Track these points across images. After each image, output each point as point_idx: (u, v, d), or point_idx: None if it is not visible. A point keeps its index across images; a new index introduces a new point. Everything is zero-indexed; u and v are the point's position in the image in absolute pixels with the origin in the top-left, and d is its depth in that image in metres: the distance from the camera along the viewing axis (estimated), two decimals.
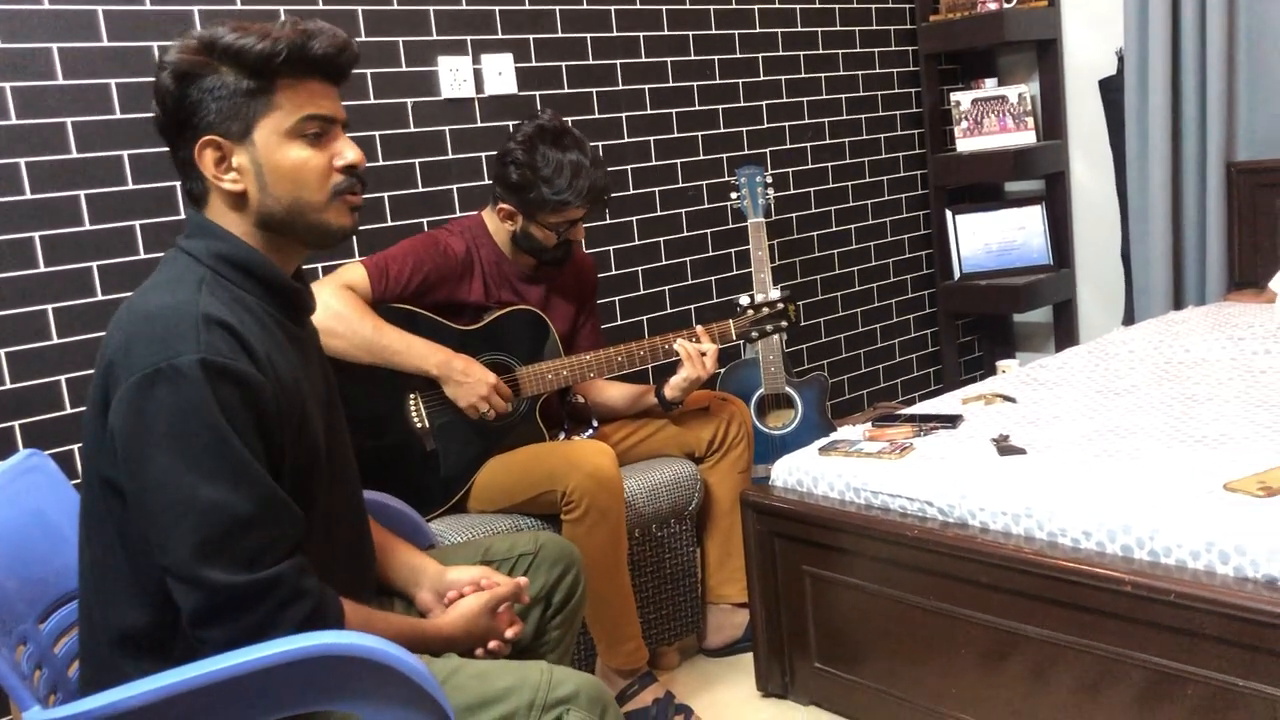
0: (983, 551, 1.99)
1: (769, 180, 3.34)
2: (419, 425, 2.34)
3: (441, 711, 1.27)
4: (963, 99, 4.10)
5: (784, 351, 3.39)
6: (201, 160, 1.38)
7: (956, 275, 4.14)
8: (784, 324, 2.60)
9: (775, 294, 2.61)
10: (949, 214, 4.13)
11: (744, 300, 2.59)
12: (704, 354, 2.48)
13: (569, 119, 3.16)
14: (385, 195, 2.83)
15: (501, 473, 2.36)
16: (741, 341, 2.58)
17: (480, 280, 2.40)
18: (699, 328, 2.51)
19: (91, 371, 1.38)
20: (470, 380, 2.28)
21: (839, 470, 2.32)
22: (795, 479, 2.40)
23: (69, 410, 2.38)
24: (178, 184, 2.48)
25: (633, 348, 2.47)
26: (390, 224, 2.84)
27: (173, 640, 1.36)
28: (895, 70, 4.08)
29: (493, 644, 1.61)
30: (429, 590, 1.66)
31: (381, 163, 2.82)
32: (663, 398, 2.54)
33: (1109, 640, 1.84)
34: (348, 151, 1.43)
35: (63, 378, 2.37)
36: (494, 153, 2.47)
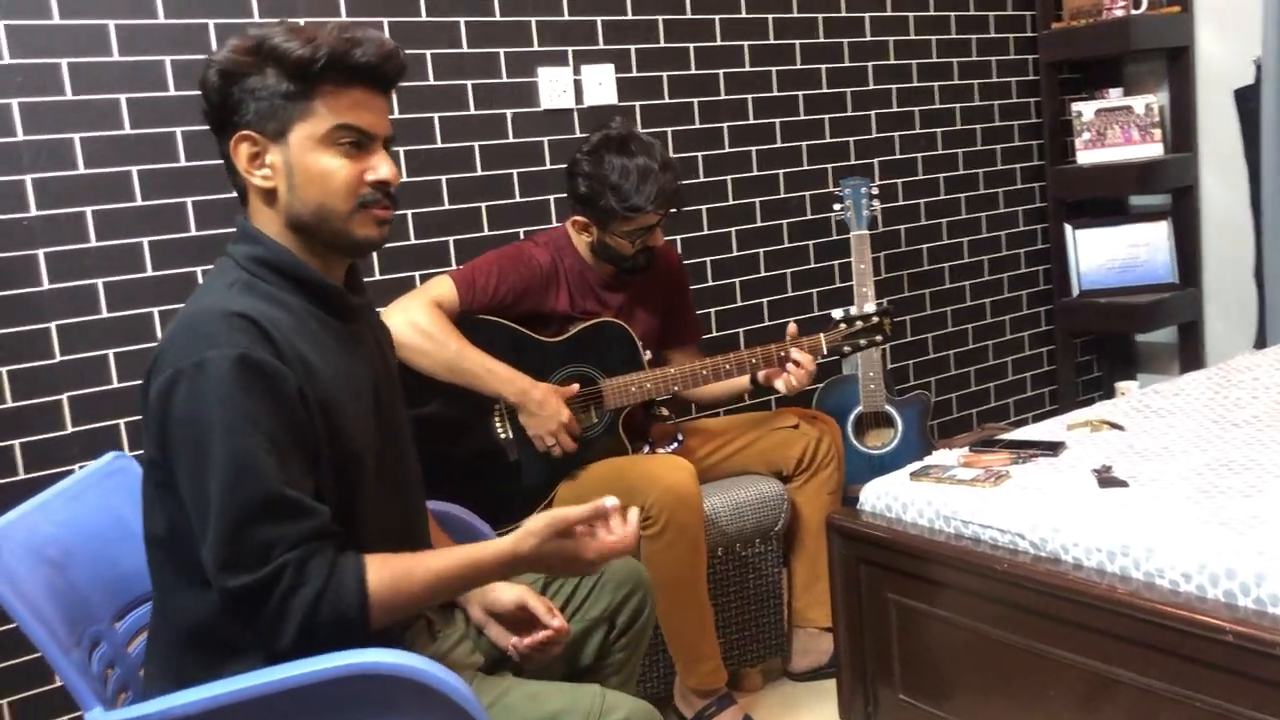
0: (1074, 590, 1.89)
1: (875, 191, 3.26)
2: (503, 436, 2.35)
3: None
4: (1085, 109, 3.93)
5: (885, 368, 3.30)
6: (236, 153, 1.41)
7: (1075, 292, 3.98)
8: (878, 338, 2.52)
9: (870, 307, 2.54)
10: (1068, 228, 3.97)
11: (837, 314, 2.53)
12: (800, 366, 2.43)
13: (669, 129, 3.15)
14: (483, 205, 2.85)
15: (583, 486, 2.35)
16: (835, 356, 2.52)
17: (565, 290, 2.40)
18: (791, 341, 2.45)
19: None
20: (543, 415, 2.28)
21: (929, 497, 2.24)
22: (884, 504, 2.32)
23: None
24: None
25: (719, 361, 2.44)
26: (487, 233, 2.85)
27: (235, 633, 1.37)
28: (1014, 79, 3.94)
29: (542, 635, 1.57)
30: (478, 605, 1.64)
31: (480, 173, 2.84)
32: (756, 383, 2.51)
33: (1210, 692, 1.73)
34: (382, 167, 1.43)
35: None
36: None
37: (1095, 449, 2.38)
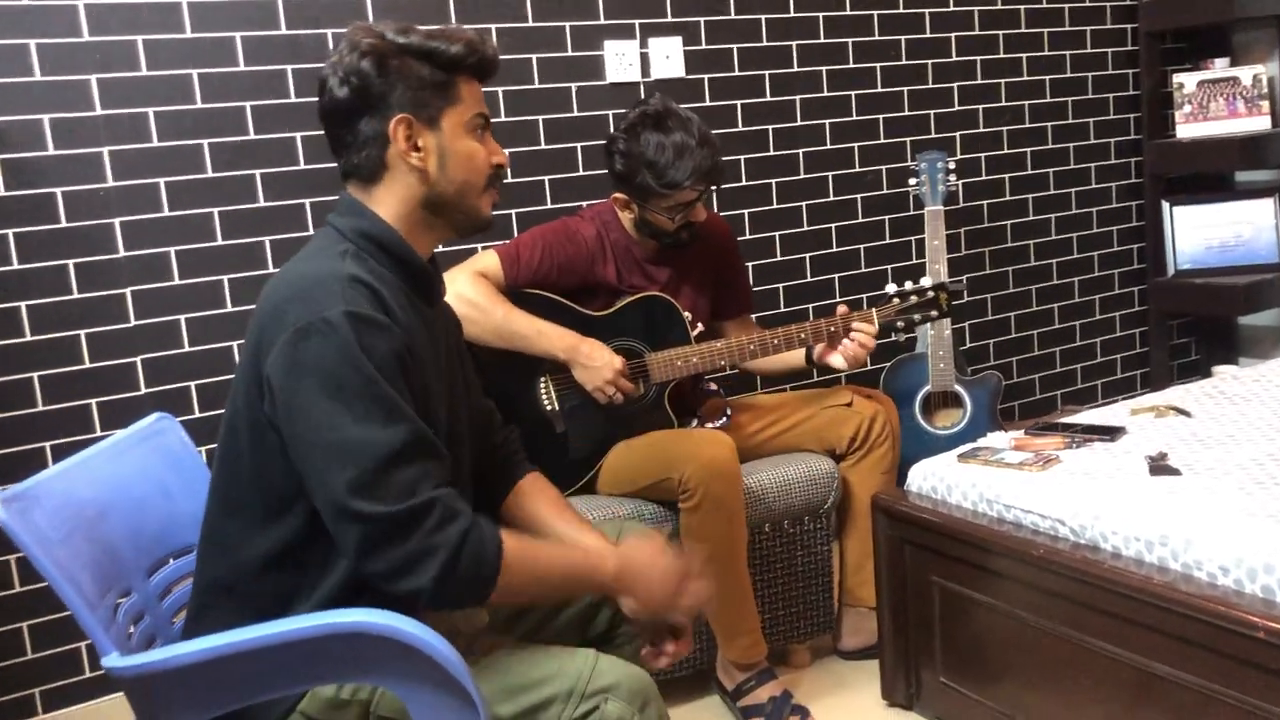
0: (1109, 579, 1.83)
1: (951, 166, 3.18)
2: (549, 408, 2.38)
3: (469, 694, 1.29)
4: (1187, 81, 3.76)
5: (956, 346, 3.23)
6: (395, 135, 1.48)
7: (1171, 272, 3.82)
8: (934, 314, 2.47)
9: (927, 281, 2.49)
10: (1165, 205, 3.81)
11: (891, 288, 2.48)
12: (859, 343, 2.40)
13: (739, 102, 3.13)
14: (546, 179, 2.88)
15: (626, 458, 2.37)
16: (889, 334, 2.48)
17: (611, 264, 2.41)
18: (845, 311, 2.43)
19: None
20: (596, 364, 2.30)
21: (974, 479, 2.20)
22: (930, 485, 2.29)
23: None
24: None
25: (767, 336, 2.42)
26: (550, 206, 2.88)
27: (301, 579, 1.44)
28: (1110, 50, 3.79)
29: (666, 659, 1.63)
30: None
31: (544, 146, 2.87)
32: (811, 359, 2.49)
33: (1244, 690, 1.67)
34: (499, 151, 1.57)
35: (234, 344, 2.57)
36: None
37: (1156, 435, 2.30)
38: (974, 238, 3.59)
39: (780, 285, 3.25)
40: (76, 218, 2.41)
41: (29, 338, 2.39)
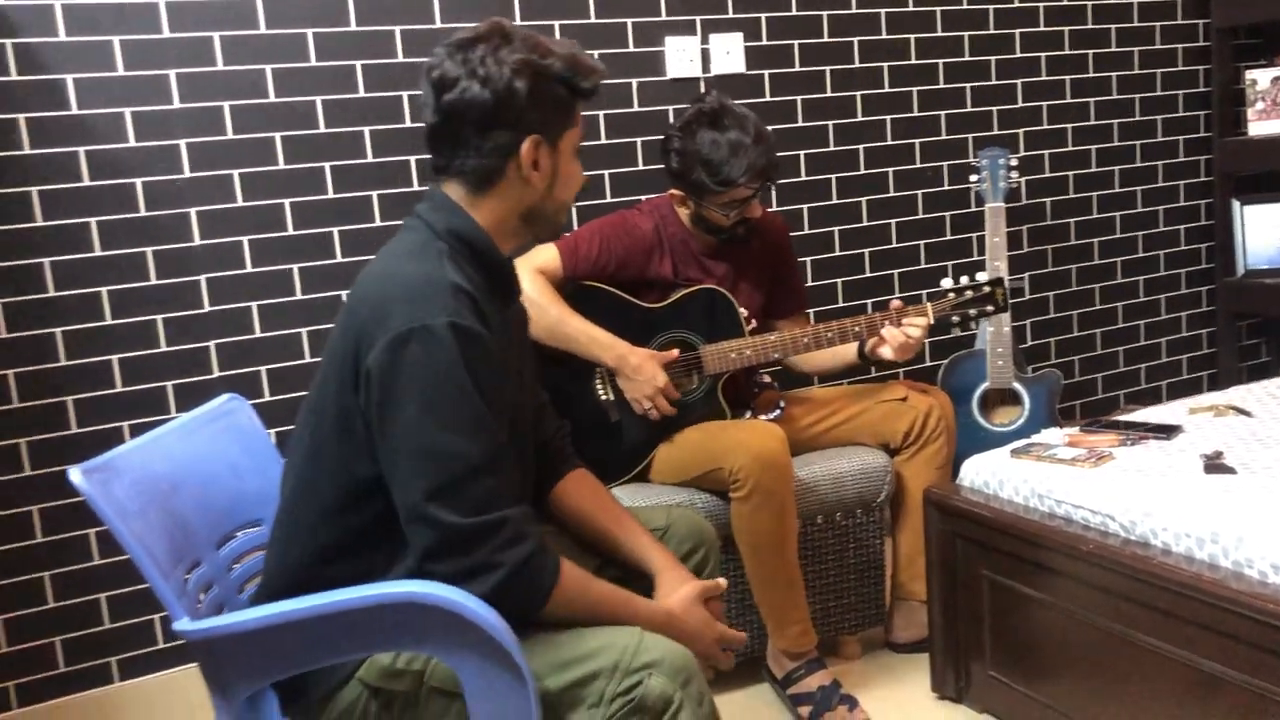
0: (1158, 575, 1.83)
1: (1013, 163, 3.17)
2: (604, 398, 2.42)
3: (518, 666, 1.34)
4: (1261, 77, 3.69)
5: (1015, 344, 3.22)
6: (524, 152, 1.54)
7: (1240, 271, 3.76)
8: (989, 309, 2.48)
9: (983, 276, 2.49)
10: (1235, 204, 3.75)
11: (946, 283, 2.49)
12: (910, 337, 2.41)
13: (799, 97, 3.15)
14: (606, 173, 2.93)
15: (679, 448, 2.41)
16: (945, 331, 2.48)
17: (669, 258, 2.45)
18: (899, 305, 2.44)
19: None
20: (640, 379, 2.34)
21: (1026, 475, 2.20)
22: (983, 479, 2.30)
23: (308, 359, 2.66)
24: (411, 158, 2.71)
25: (820, 329, 2.45)
26: (609, 200, 2.93)
27: (368, 558, 1.51)
28: (1180, 46, 3.73)
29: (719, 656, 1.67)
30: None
31: (604, 140, 2.91)
32: (864, 355, 2.51)
33: None
34: (583, 172, 1.66)
35: (304, 330, 2.65)
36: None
37: (1214, 434, 2.29)
38: (1036, 235, 3.56)
39: (839, 280, 3.27)
40: (155, 207, 2.51)
41: (109, 321, 2.49)
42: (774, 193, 3.13)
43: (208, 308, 2.58)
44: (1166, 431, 2.30)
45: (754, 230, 2.46)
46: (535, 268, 2.35)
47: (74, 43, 2.41)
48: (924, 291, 3.36)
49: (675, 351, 2.39)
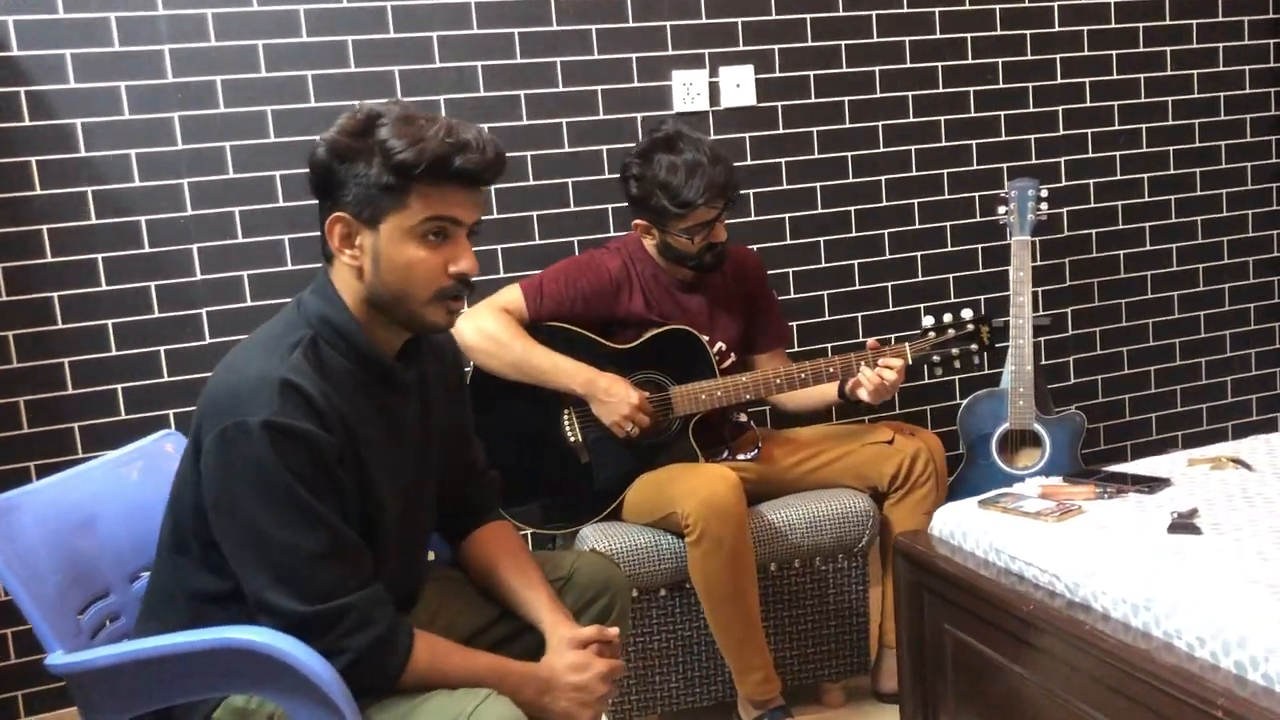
0: (1088, 641, 1.73)
1: (1044, 195, 3.04)
2: (573, 439, 2.42)
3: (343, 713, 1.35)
4: None
5: (1042, 383, 3.08)
6: (330, 232, 1.52)
7: None
8: (973, 348, 2.39)
9: (967, 314, 2.40)
10: None
11: (927, 320, 2.41)
12: (884, 379, 2.34)
13: (815, 129, 3.09)
14: (610, 207, 2.93)
15: (644, 490, 2.39)
16: (930, 370, 2.40)
17: (640, 294, 2.43)
18: (874, 344, 2.37)
19: None
20: (613, 400, 2.32)
21: (987, 527, 2.10)
22: (949, 531, 2.20)
23: None
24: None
25: (794, 370, 2.40)
26: (612, 234, 2.93)
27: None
28: (1247, 68, 3.52)
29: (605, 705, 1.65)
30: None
31: (606, 175, 2.92)
32: (844, 395, 2.45)
33: None
34: (463, 260, 1.51)
35: None
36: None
37: (1201, 489, 2.14)
38: (1081, 269, 3.41)
39: (859, 314, 3.19)
40: (159, 243, 2.63)
41: (114, 352, 2.62)
42: (786, 225, 3.08)
43: (208, 340, 2.68)
44: (1151, 484, 2.17)
45: (724, 257, 2.43)
46: (499, 306, 2.37)
47: (83, 89, 2.55)
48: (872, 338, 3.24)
49: (639, 394, 2.37)
